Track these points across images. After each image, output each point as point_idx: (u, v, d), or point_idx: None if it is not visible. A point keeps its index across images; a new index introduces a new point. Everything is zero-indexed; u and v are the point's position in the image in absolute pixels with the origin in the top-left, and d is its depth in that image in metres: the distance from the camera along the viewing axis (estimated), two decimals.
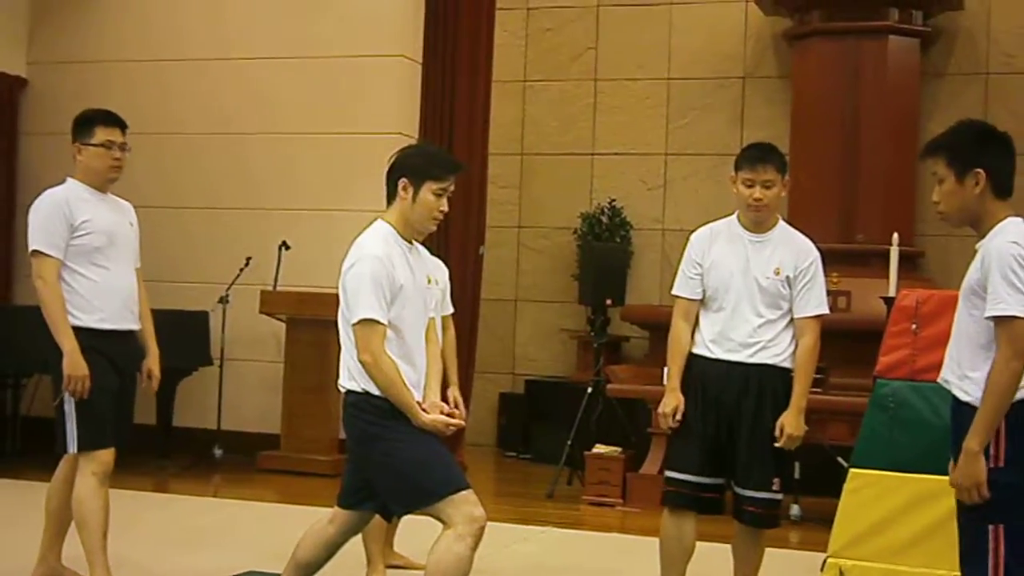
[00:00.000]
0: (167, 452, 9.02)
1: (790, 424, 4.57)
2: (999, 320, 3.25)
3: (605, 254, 9.85)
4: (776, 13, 10.13)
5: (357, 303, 3.99)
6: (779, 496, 4.69)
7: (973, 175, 3.42)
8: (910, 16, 9.60)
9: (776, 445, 4.57)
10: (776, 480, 4.64)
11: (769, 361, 4.62)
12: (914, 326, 4.50)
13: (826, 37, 9.65)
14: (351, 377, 4.07)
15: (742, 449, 4.63)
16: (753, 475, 4.63)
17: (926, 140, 3.65)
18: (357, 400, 4.06)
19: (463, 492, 3.97)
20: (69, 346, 4.71)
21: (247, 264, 9.13)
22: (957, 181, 3.45)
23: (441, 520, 3.96)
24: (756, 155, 4.70)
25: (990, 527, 3.30)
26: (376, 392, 4.00)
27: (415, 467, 3.98)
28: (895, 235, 7.01)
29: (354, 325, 4.00)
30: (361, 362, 3.99)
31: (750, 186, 4.65)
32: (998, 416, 3.26)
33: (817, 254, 4.71)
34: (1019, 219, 3.40)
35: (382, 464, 4.05)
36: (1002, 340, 3.25)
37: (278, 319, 8.94)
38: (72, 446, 4.81)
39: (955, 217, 3.50)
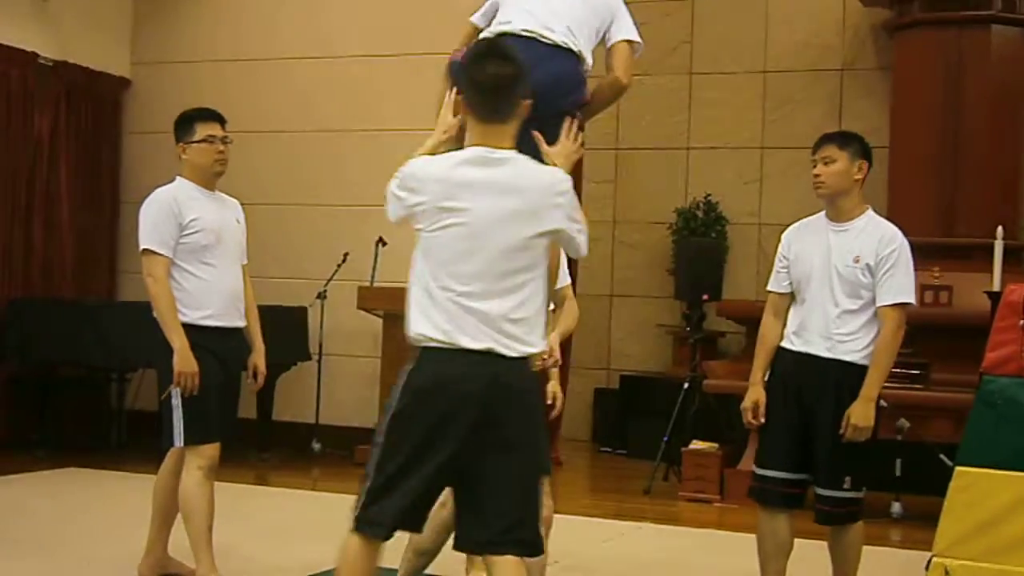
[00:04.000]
0: (267, 446, 9.15)
1: (856, 414, 4.49)
2: None
3: (701, 249, 9.80)
4: (875, 4, 9.97)
5: None
6: (850, 494, 4.60)
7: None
8: (1014, 5, 9.38)
9: (843, 438, 4.51)
10: (848, 478, 4.58)
11: (848, 358, 4.55)
12: (1022, 322, 4.39)
13: (927, 27, 9.47)
14: None
15: (818, 446, 4.59)
16: (826, 472, 4.60)
17: None
18: None
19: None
20: (179, 343, 4.81)
21: (344, 260, 9.23)
22: None
23: None
24: (820, 138, 4.73)
25: None
26: None
27: None
28: (999, 228, 6.87)
29: None
30: None
31: (814, 166, 4.66)
32: None
33: (902, 242, 4.60)
34: None
35: None
36: None
37: (375, 315, 9.02)
38: (178, 440, 4.91)
39: None
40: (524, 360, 3.39)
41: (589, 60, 4.27)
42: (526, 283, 3.40)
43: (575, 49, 4.22)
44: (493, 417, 3.32)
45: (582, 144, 3.99)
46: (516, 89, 3.44)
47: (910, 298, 4.58)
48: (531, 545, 3.42)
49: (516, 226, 3.36)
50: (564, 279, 4.57)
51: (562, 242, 3.53)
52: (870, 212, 4.71)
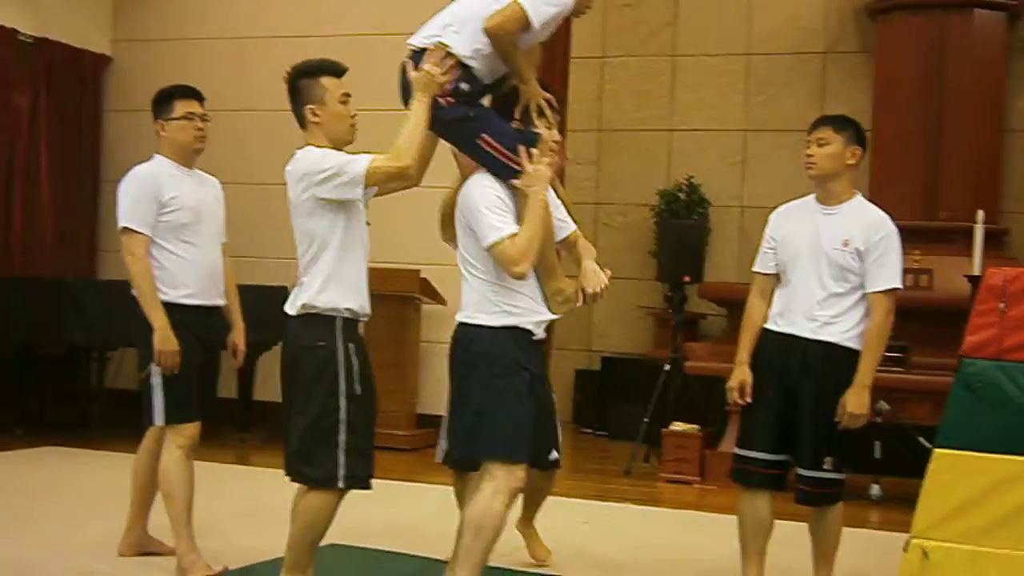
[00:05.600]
0: (247, 425, 9.14)
1: (852, 402, 4.53)
2: None
3: (683, 231, 9.78)
4: None
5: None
6: (831, 475, 4.63)
7: None
8: None
9: (838, 425, 4.54)
10: (829, 459, 4.61)
11: (832, 339, 4.57)
12: (1002, 305, 4.39)
13: (910, 11, 9.50)
14: (477, 311, 4.24)
15: (801, 427, 4.61)
16: (808, 453, 4.62)
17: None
18: (476, 335, 4.22)
19: (519, 464, 4.06)
20: (160, 322, 4.79)
21: None
22: None
23: (485, 472, 4.06)
24: (816, 120, 4.75)
25: None
26: (498, 324, 4.20)
27: (495, 415, 4.06)
28: (980, 212, 6.89)
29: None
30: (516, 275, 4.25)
31: (808, 147, 4.67)
32: None
33: (891, 228, 4.63)
34: None
35: (467, 396, 4.16)
36: None
37: None
38: (159, 419, 4.89)
39: None
40: (302, 318, 4.08)
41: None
42: (314, 255, 4.10)
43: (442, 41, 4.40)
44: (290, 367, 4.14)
45: (460, 68, 4.35)
46: (294, 102, 4.51)
47: (899, 283, 4.61)
48: (310, 479, 4.06)
49: (293, 210, 4.15)
50: (570, 226, 4.96)
51: (342, 202, 4.09)
52: (859, 197, 4.72)
